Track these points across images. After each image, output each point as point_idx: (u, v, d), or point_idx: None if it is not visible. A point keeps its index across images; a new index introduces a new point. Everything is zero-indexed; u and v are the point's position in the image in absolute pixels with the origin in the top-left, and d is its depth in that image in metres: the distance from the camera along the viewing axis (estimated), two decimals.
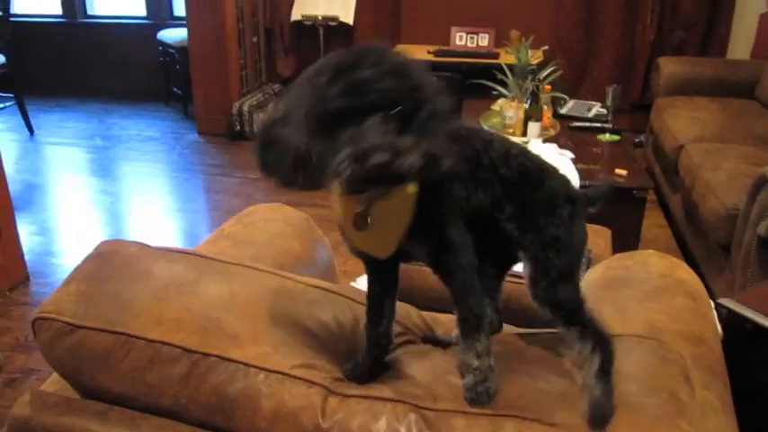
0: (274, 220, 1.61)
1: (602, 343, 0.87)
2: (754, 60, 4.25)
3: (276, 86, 5.06)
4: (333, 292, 1.05)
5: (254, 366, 0.84)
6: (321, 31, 4.72)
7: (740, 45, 4.52)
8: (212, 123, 4.78)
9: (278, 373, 0.83)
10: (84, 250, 1.06)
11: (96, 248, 1.01)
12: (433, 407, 0.79)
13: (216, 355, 0.85)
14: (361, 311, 0.96)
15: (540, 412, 0.78)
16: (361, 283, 2.85)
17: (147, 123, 5.12)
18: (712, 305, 1.57)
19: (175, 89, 5.28)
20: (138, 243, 1.03)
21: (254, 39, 4.93)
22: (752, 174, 2.38)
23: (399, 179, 0.75)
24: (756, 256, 2.30)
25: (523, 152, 0.96)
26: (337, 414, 0.80)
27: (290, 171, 0.80)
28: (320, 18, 4.68)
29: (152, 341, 0.86)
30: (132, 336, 0.87)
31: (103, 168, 4.37)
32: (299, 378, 0.83)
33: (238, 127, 4.64)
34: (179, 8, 5.49)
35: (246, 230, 1.57)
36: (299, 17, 4.78)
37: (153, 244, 1.06)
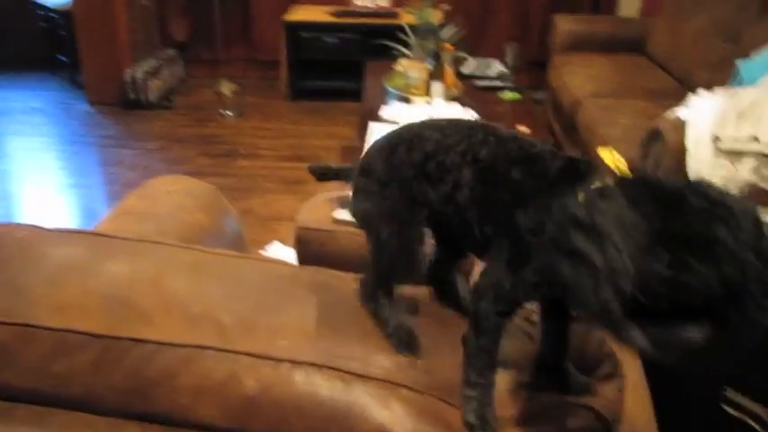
0: (177, 193, 1.54)
1: None
2: (643, 18, 4.42)
3: (171, 52, 4.85)
4: (251, 258, 1.02)
5: (169, 344, 0.80)
6: None
7: (630, 2, 4.69)
8: (104, 92, 4.52)
9: (196, 347, 0.80)
10: None
11: None
12: (363, 373, 0.78)
13: (128, 338, 0.80)
14: (287, 271, 0.94)
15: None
16: (271, 250, 2.81)
17: (31, 94, 4.80)
18: None
19: (61, 57, 4.96)
20: (30, 225, 0.95)
21: (144, 1, 4.68)
22: (645, 127, 2.49)
23: None
24: None
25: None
26: (265, 381, 0.77)
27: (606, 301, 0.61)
28: None
29: (55, 330, 0.81)
30: (32, 326, 0.81)
31: None
32: (220, 349, 0.79)
33: (132, 95, 4.42)
34: None
35: (148, 204, 1.49)
36: None
37: (47, 225, 0.98)
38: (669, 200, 0.61)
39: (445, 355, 0.86)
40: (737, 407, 1.42)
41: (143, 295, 0.85)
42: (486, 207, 0.85)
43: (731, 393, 1.43)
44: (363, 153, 1.01)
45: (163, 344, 0.79)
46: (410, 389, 0.76)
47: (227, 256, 0.99)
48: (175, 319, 0.82)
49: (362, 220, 0.98)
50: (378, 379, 0.76)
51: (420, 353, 0.84)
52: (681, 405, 1.54)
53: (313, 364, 0.77)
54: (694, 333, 0.58)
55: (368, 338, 0.85)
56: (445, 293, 1.05)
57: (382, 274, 0.95)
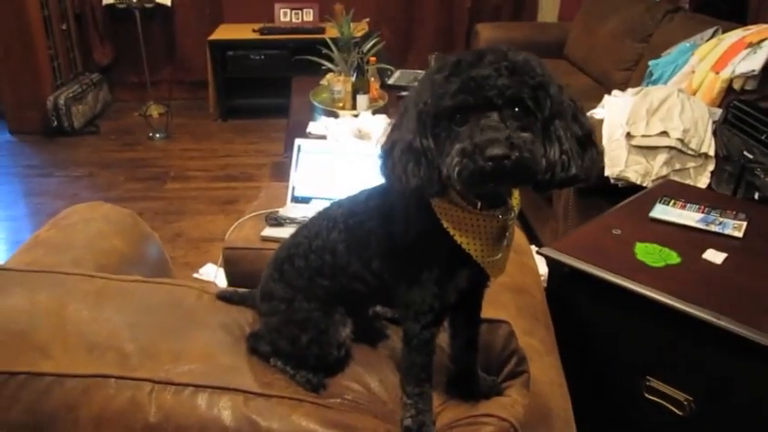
0: (94, 220, 1.51)
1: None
2: (561, 23, 4.56)
3: (94, 76, 4.75)
4: (157, 283, 1.01)
5: (68, 375, 0.79)
6: (137, 15, 4.47)
7: (548, 9, 4.83)
8: (25, 120, 4.39)
9: (96, 376, 0.79)
10: None
11: None
12: (265, 392, 0.78)
13: (25, 372, 0.79)
14: (192, 296, 0.93)
15: None
16: (204, 272, 2.78)
17: None
18: (534, 253, 1.68)
19: None
20: None
21: (64, 26, 4.58)
22: None
23: (521, 178, 0.73)
24: (574, 204, 2.49)
25: None
26: (167, 407, 0.77)
27: (406, 170, 0.76)
28: (135, 1, 4.43)
29: None
30: None
31: None
32: (121, 377, 0.79)
33: (56, 122, 4.30)
34: None
35: (63, 234, 1.46)
36: (111, 1, 4.49)
37: None
38: None
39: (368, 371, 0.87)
40: (659, 394, 1.48)
41: (42, 327, 0.83)
42: (363, 244, 0.92)
43: (653, 382, 1.48)
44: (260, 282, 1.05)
45: (62, 375, 0.78)
46: (312, 402, 0.76)
47: (133, 282, 0.98)
48: (75, 349, 0.81)
49: (277, 334, 0.98)
50: (280, 396, 0.76)
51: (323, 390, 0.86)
52: (603, 397, 1.58)
53: (216, 387, 0.77)
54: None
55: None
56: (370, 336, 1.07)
57: (297, 364, 0.94)
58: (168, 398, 0.76)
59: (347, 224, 0.94)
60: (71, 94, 4.36)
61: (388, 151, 0.80)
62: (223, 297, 1.03)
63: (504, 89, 0.72)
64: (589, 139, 0.79)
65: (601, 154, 0.82)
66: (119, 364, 0.79)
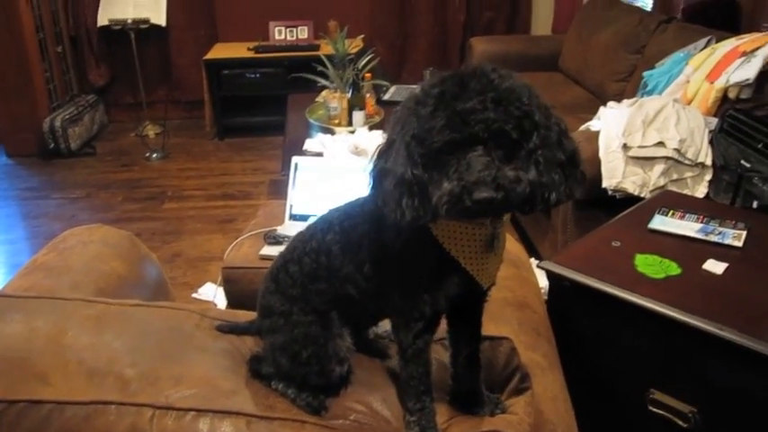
0: (92, 243, 1.51)
1: None
2: (554, 35, 4.58)
3: (90, 97, 4.75)
4: (157, 306, 1.00)
5: (68, 402, 0.78)
6: (132, 36, 4.49)
7: (542, 22, 4.86)
8: (22, 143, 4.40)
9: (96, 403, 0.78)
10: None
11: None
12: (267, 415, 0.78)
13: (24, 400, 0.78)
14: (192, 320, 0.93)
15: None
16: (203, 292, 2.77)
17: None
18: (535, 267, 1.68)
19: None
20: None
21: (59, 49, 4.59)
22: None
23: (503, 211, 0.78)
24: (572, 216, 2.49)
25: None
26: None
27: (401, 204, 0.78)
28: (130, 21, 4.45)
29: None
30: None
31: None
32: (122, 403, 0.78)
33: (52, 144, 4.30)
34: None
35: (61, 257, 1.45)
36: (105, 22, 4.51)
37: None
38: None
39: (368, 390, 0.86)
40: (663, 407, 1.47)
41: (41, 354, 0.83)
42: (356, 246, 0.93)
43: (657, 395, 1.47)
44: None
45: (61, 402, 0.77)
46: (315, 424, 0.76)
47: (133, 306, 0.97)
48: (75, 376, 0.80)
49: (279, 352, 0.97)
50: (282, 418, 0.76)
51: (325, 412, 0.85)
52: (607, 411, 1.57)
53: (218, 411, 0.77)
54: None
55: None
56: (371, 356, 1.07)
57: (300, 386, 0.94)
58: (169, 423, 0.76)
59: (342, 226, 0.95)
60: (67, 116, 4.36)
61: (379, 180, 0.82)
62: (223, 330, 1.03)
63: (489, 123, 0.74)
64: (573, 161, 0.82)
65: (584, 173, 0.84)
66: (119, 389, 0.79)
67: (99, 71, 4.84)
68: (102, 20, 4.52)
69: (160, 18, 4.55)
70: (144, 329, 0.90)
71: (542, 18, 4.86)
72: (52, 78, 4.48)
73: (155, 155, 4.37)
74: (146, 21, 4.48)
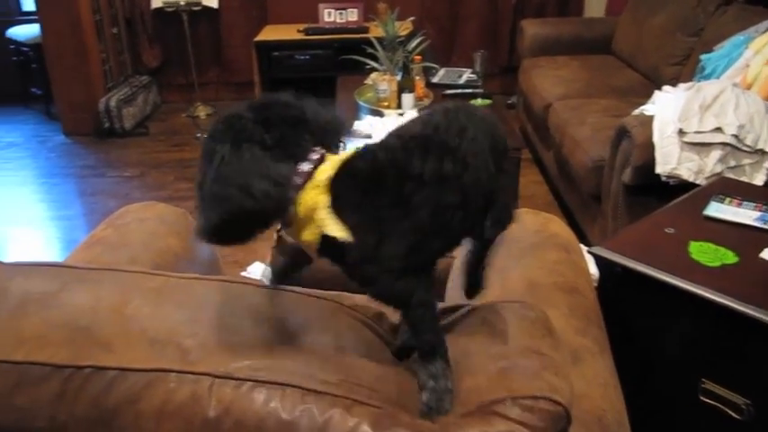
0: (148, 220, 1.55)
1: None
2: (608, 17, 4.48)
3: (144, 78, 4.86)
4: (214, 280, 1.02)
5: (130, 369, 0.81)
6: (185, 17, 4.55)
7: (595, 3, 4.76)
8: (79, 122, 4.52)
9: (157, 370, 0.80)
10: None
11: None
12: (327, 391, 0.79)
13: (90, 366, 0.81)
14: (249, 292, 0.95)
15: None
16: (252, 271, 2.81)
17: (6, 128, 4.79)
18: (585, 253, 1.66)
19: (34, 89, 4.96)
20: None
21: (115, 30, 4.69)
22: (614, 125, 2.52)
23: None
24: (623, 202, 2.45)
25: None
26: (226, 401, 0.78)
27: None
28: (183, 3, 4.52)
29: (17, 363, 0.81)
30: None
31: None
32: (181, 371, 0.80)
33: (107, 124, 4.42)
34: (28, 3, 5.14)
35: (119, 233, 1.50)
36: (159, 4, 4.59)
37: (27, 259, 0.99)
38: None
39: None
40: (715, 397, 1.44)
41: (104, 323, 0.86)
42: None
43: (709, 385, 1.45)
44: None
45: (124, 369, 0.80)
46: (367, 404, 0.77)
47: (193, 279, 1.00)
48: (137, 344, 0.83)
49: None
50: (337, 395, 0.77)
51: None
52: (658, 399, 1.56)
53: (275, 383, 0.78)
54: None
55: (328, 357, 0.86)
56: None
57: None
58: (228, 392, 0.78)
59: None
60: (122, 97, 4.47)
61: None
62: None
63: None
64: None
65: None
66: (179, 358, 0.81)
67: (152, 52, 4.93)
68: (156, 2, 4.60)
69: (212, 0, 4.61)
70: (203, 301, 0.92)
71: (596, 0, 4.76)
72: (108, 59, 4.59)
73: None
74: (198, 3, 4.55)
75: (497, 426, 0.76)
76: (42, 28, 4.34)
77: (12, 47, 4.89)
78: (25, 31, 4.81)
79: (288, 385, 0.78)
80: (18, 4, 5.24)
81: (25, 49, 4.78)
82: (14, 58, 4.93)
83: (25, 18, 5.09)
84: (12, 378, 0.81)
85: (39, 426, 0.81)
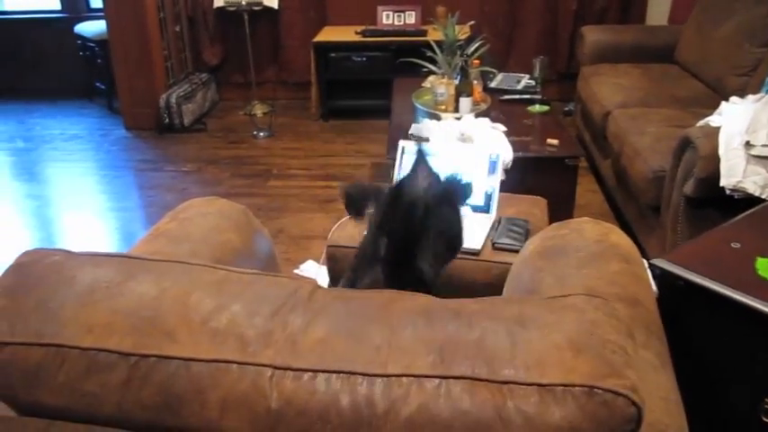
0: (210, 214, 1.58)
1: None
2: (671, 25, 4.38)
3: (203, 76, 4.95)
4: (274, 276, 1.03)
5: (194, 359, 0.82)
6: (246, 17, 4.63)
7: (658, 11, 4.65)
8: (140, 117, 4.65)
9: (220, 361, 0.82)
10: (12, 260, 1.01)
11: (16, 260, 0.97)
12: (386, 372, 0.79)
13: (154, 355, 0.83)
14: (307, 288, 0.96)
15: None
16: (305, 269, 2.84)
17: (70, 121, 4.95)
18: (646, 265, 1.62)
19: (98, 84, 5.11)
20: (60, 250, 0.99)
21: (177, 28, 4.80)
22: (675, 136, 2.46)
23: None
24: (684, 214, 2.39)
25: None
26: (287, 392, 0.79)
27: None
28: (244, 3, 4.59)
29: (85, 349, 0.83)
30: (63, 346, 0.83)
31: (27, 171, 4.20)
32: (243, 363, 0.81)
33: (167, 120, 4.53)
34: (96, 0, 5.31)
35: (182, 227, 1.53)
36: (221, 3, 4.68)
37: (86, 247, 1.02)
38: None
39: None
40: None
41: (168, 313, 0.87)
42: None
43: None
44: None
45: (188, 359, 0.82)
46: (427, 376, 0.77)
47: (252, 274, 1.01)
48: (199, 335, 0.84)
49: None
50: (395, 375, 0.77)
51: None
52: (719, 416, 1.51)
53: (334, 371, 0.79)
54: None
55: (386, 344, 0.86)
56: None
57: None
58: (288, 382, 0.78)
59: None
60: (182, 93, 4.57)
61: None
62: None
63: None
64: None
65: None
66: (240, 349, 0.82)
67: (213, 50, 5.02)
68: (218, 1, 4.69)
69: (273, 0, 4.68)
70: (262, 295, 0.93)
71: (659, 7, 4.65)
72: (170, 57, 4.70)
73: (262, 133, 4.51)
74: (259, 3, 4.61)
75: (569, 406, 0.74)
76: (109, 24, 4.47)
77: (79, 42, 5.05)
78: (92, 28, 4.96)
79: (347, 372, 0.78)
80: (86, 1, 5.41)
81: (91, 44, 4.93)
82: (81, 54, 5.09)
83: (93, 15, 5.25)
84: (82, 364, 0.83)
85: (107, 412, 0.83)
